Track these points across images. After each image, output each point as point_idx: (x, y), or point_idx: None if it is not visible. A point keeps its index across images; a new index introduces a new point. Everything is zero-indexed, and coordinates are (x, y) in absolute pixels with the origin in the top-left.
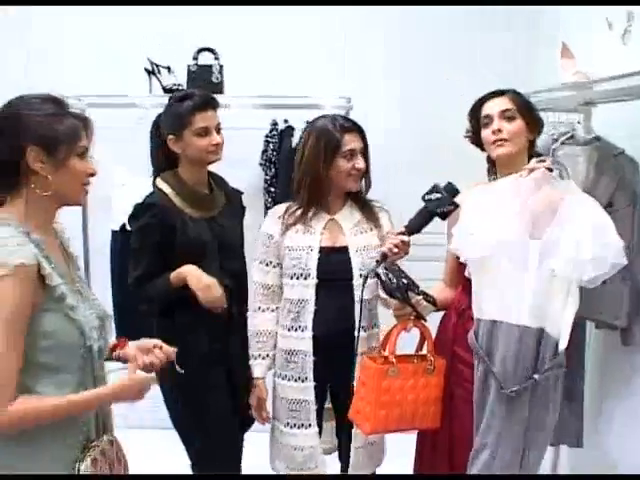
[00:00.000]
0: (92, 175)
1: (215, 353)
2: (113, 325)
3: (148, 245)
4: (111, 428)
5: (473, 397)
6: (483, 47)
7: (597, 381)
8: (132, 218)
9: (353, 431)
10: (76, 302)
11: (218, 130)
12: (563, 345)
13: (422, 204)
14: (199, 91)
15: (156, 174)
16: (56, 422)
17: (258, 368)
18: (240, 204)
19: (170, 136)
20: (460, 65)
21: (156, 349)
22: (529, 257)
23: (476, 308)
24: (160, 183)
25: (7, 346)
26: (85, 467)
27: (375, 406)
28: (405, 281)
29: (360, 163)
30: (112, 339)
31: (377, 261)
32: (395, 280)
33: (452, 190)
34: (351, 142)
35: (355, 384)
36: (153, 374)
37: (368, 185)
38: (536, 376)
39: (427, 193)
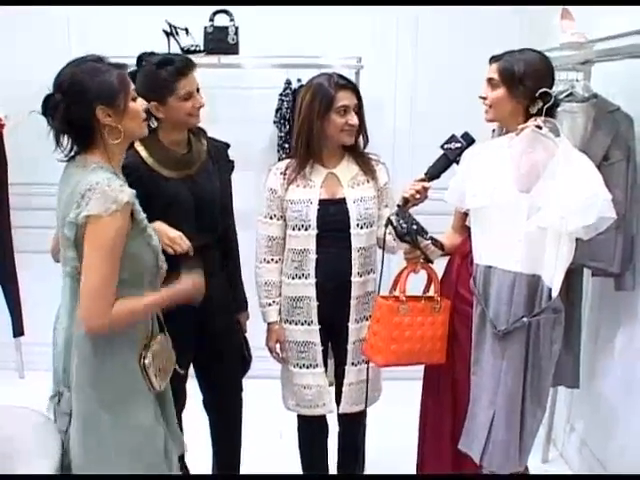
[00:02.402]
0: (145, 111)
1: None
2: None
3: None
4: (163, 327)
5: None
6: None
7: (593, 325)
8: None
9: (346, 368)
10: (151, 232)
11: (197, 91)
12: (555, 292)
13: (440, 152)
14: (176, 55)
15: None
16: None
17: (270, 313)
18: (226, 158)
19: (153, 103)
20: (466, 27)
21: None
22: (519, 210)
23: (475, 254)
24: (137, 145)
25: (112, 268)
26: (149, 360)
27: (387, 340)
28: (415, 227)
29: (353, 119)
30: None
31: (398, 205)
32: (406, 225)
33: (469, 139)
34: (344, 98)
35: (357, 328)
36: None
37: (365, 140)
38: (525, 319)
39: (446, 142)
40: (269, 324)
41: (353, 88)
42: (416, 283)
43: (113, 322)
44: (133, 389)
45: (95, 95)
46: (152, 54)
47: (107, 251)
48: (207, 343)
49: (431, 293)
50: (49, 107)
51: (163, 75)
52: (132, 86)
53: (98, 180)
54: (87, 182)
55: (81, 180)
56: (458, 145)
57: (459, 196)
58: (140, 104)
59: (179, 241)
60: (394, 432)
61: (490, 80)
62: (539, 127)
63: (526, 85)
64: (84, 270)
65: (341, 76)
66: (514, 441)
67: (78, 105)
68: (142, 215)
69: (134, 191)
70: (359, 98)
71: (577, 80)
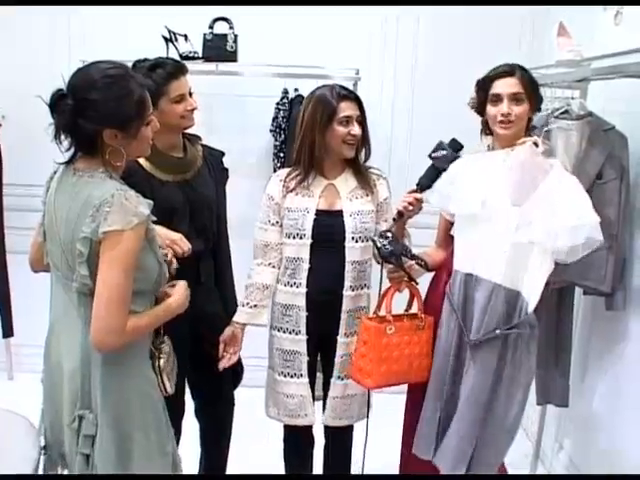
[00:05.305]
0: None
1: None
2: None
3: None
4: (163, 331)
5: (443, 344)
6: (492, 23)
7: (584, 344)
8: None
9: (332, 381)
10: (158, 239)
11: (190, 94)
12: (532, 306)
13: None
14: (168, 59)
15: None
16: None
17: (238, 314)
18: (220, 166)
19: None
20: (468, 39)
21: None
22: (508, 222)
23: (456, 261)
24: None
25: (129, 282)
26: (163, 362)
27: (376, 362)
28: (399, 247)
29: (355, 130)
30: None
31: (394, 219)
32: (389, 246)
33: (456, 146)
34: (347, 109)
35: (346, 342)
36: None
37: (368, 153)
38: (498, 331)
39: (433, 151)
40: (233, 322)
41: (355, 99)
42: (398, 300)
43: (126, 339)
44: (153, 396)
45: (107, 118)
46: (145, 60)
47: (125, 266)
48: (200, 355)
49: (414, 310)
50: (57, 106)
51: (154, 78)
52: (150, 109)
53: (112, 192)
54: (100, 194)
55: (92, 192)
56: (444, 153)
57: (445, 200)
58: (153, 127)
59: (180, 242)
60: (377, 445)
61: (515, 95)
62: (536, 145)
63: (538, 97)
64: (100, 285)
65: (343, 87)
66: (468, 450)
67: (86, 120)
68: (153, 225)
69: (150, 202)
70: (362, 109)
71: (572, 98)
